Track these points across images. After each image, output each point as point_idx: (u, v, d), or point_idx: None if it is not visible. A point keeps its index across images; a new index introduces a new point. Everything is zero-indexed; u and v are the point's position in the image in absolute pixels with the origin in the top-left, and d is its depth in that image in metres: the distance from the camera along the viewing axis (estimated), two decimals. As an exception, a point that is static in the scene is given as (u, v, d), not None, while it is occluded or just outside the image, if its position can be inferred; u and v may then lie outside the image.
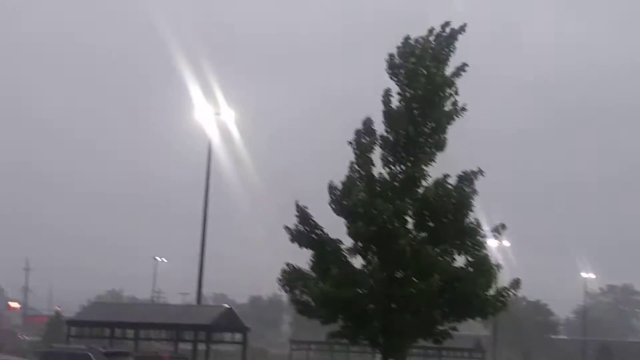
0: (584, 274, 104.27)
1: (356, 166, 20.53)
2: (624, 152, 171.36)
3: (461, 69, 20.61)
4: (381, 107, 20.76)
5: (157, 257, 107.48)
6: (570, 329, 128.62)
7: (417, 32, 20.85)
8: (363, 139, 20.66)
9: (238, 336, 39.21)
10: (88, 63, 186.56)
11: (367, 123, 20.71)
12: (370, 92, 21.77)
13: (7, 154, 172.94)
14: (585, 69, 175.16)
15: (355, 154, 20.69)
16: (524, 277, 21.02)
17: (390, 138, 20.52)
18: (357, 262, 20.83)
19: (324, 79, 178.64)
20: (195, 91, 50.38)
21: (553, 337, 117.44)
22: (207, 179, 47.17)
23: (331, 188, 20.52)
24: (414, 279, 20.07)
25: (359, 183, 20.16)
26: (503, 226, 20.80)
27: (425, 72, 20.22)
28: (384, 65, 20.81)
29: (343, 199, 20.21)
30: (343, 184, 20.40)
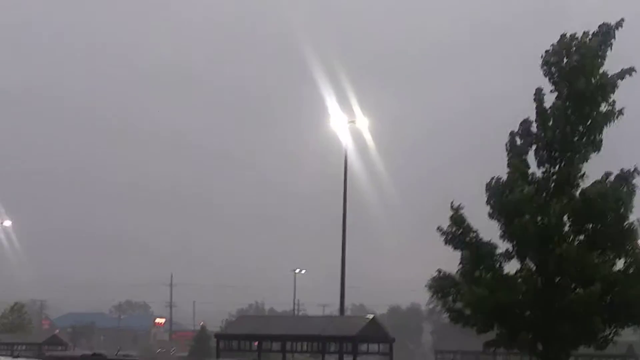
0: None
1: (512, 167, 19.95)
2: None
3: (628, 72, 19.67)
4: (528, 106, 20.19)
5: (296, 269, 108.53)
6: None
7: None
8: (518, 140, 20.18)
9: (383, 347, 38.79)
10: (222, 76, 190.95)
11: (525, 124, 20.13)
12: (511, 95, 21.22)
13: (151, 180, 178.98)
14: None
15: (510, 156, 20.17)
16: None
17: (546, 137, 19.86)
18: (510, 268, 20.22)
19: (460, 83, 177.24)
20: (330, 100, 50.77)
21: None
22: (345, 187, 47.06)
23: (490, 187, 19.96)
24: (574, 285, 19.39)
25: (518, 182, 19.57)
26: None
27: (586, 69, 19.48)
28: (527, 64, 20.22)
29: (504, 196, 19.59)
30: (504, 181, 19.86)
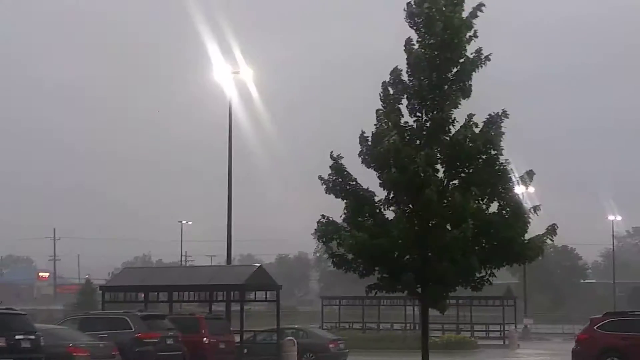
0: (610, 217, 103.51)
1: (384, 117, 20.39)
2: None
3: (478, 8, 20.26)
4: (404, 57, 20.52)
5: (182, 221, 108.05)
6: (599, 272, 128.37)
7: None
8: (390, 90, 20.56)
9: (270, 294, 39.26)
10: (103, 26, 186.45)
11: (395, 73, 20.54)
12: (392, 45, 21.52)
13: (29, 121, 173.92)
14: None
15: (383, 105, 20.57)
16: (551, 222, 20.82)
17: (415, 86, 20.33)
18: (390, 214, 20.77)
19: (343, 33, 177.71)
20: (213, 50, 50.20)
21: (582, 281, 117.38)
22: (230, 139, 47.05)
23: (362, 138, 20.43)
24: (448, 227, 20.05)
25: (389, 133, 19.99)
26: (531, 173, 20.63)
27: (441, 15, 19.96)
28: (403, 15, 20.52)
29: (374, 148, 20.06)
30: (373, 133, 20.32)
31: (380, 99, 20.65)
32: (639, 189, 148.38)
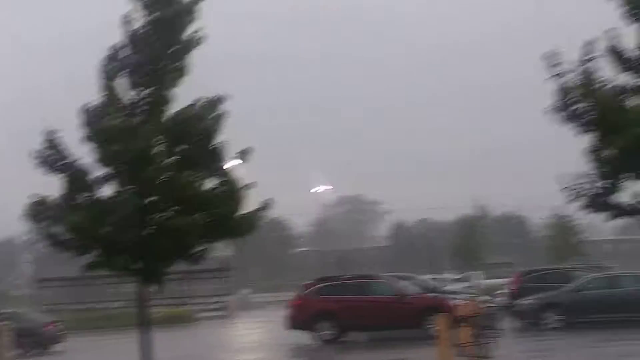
0: (319, 187, 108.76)
1: (105, 91, 20.14)
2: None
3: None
4: (123, 32, 20.39)
5: None
6: (310, 241, 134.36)
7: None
8: (109, 65, 20.27)
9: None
10: None
11: (114, 49, 20.30)
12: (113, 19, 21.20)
13: None
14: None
15: (101, 80, 20.25)
16: (265, 196, 21.42)
17: (134, 62, 20.24)
18: (108, 190, 20.58)
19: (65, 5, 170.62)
20: None
21: (294, 250, 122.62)
22: None
23: (83, 111, 19.98)
24: (171, 207, 20.24)
25: (112, 108, 19.80)
26: (247, 150, 21.12)
27: None
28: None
29: (96, 123, 19.76)
30: (96, 107, 19.98)
31: (99, 72, 20.32)
32: (343, 161, 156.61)
